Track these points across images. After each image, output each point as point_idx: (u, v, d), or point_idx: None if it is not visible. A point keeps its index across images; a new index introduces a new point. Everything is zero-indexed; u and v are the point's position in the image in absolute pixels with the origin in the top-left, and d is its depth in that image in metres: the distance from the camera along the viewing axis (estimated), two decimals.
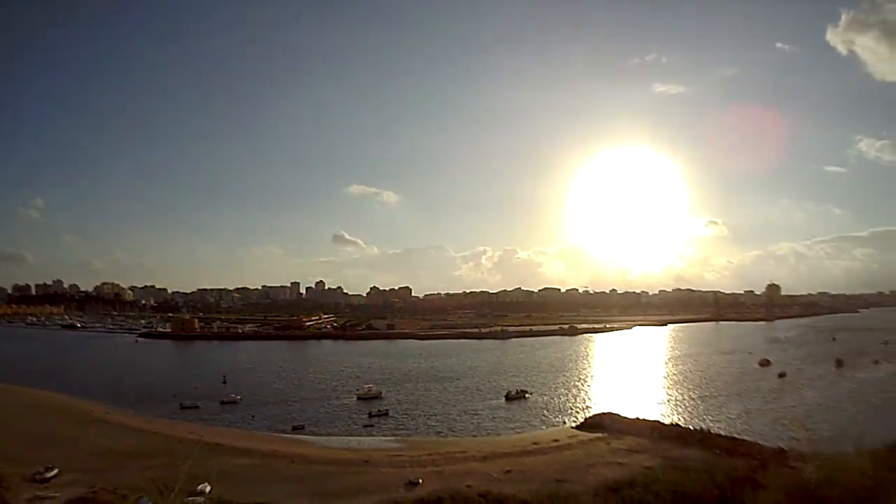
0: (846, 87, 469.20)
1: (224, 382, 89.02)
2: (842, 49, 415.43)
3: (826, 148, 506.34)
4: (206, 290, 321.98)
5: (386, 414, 69.51)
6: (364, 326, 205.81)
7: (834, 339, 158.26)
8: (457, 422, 67.78)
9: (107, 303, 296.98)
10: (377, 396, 78.95)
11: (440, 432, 63.10)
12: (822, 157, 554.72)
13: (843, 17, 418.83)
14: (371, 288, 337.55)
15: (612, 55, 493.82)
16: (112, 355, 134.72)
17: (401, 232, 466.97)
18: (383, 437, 60.51)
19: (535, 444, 54.69)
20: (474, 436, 61.55)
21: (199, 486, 25.76)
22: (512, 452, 51.33)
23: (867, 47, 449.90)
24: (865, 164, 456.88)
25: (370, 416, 68.55)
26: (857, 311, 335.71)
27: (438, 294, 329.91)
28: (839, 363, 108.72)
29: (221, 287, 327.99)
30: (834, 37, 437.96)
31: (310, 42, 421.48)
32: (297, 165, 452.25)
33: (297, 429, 62.32)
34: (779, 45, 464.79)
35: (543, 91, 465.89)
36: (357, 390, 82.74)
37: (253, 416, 68.08)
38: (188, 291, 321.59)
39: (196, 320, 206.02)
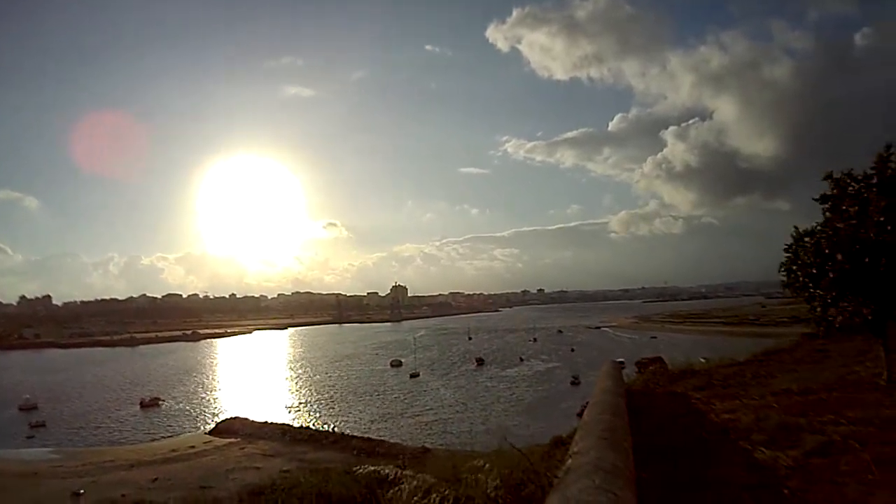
0: (502, 87, 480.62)
1: None
2: (503, 46, 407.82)
3: (467, 149, 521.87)
4: None
5: (44, 425, 71.69)
6: (16, 336, 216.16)
7: (470, 338, 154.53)
8: (99, 432, 70.70)
9: None
10: (34, 407, 79.62)
11: (85, 445, 65.03)
12: (461, 159, 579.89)
13: (515, 13, 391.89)
14: (20, 297, 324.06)
15: (247, 57, 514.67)
16: None
17: (43, 238, 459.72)
18: (45, 449, 62.73)
19: (173, 451, 54.88)
20: (118, 444, 64.35)
21: None
22: (154, 460, 51.65)
23: (537, 44, 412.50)
24: (513, 166, 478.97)
25: (31, 426, 70.54)
26: (498, 311, 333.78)
27: (75, 302, 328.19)
28: (479, 362, 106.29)
29: None
30: (496, 34, 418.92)
31: None
32: None
33: None
34: (428, 47, 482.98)
35: (170, 93, 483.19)
36: (17, 402, 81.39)
37: None
38: None
39: None
